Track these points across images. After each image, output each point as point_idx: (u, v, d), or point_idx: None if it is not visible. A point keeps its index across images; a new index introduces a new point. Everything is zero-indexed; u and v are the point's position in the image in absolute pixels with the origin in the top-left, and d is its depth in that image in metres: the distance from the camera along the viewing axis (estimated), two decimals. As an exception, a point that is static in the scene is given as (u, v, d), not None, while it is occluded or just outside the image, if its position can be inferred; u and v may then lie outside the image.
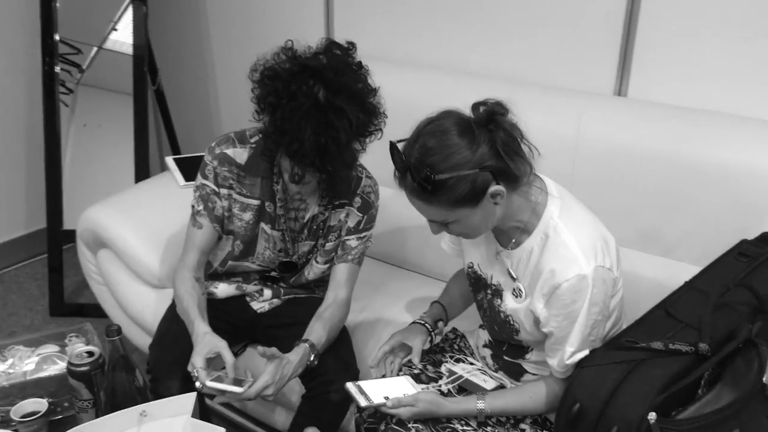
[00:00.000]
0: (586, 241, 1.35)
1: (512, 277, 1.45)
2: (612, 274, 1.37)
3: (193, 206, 1.75)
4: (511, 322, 1.49)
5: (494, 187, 1.29)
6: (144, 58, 2.71)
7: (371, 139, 1.55)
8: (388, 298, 2.07)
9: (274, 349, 1.56)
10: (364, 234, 1.78)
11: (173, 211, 2.21)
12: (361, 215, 1.77)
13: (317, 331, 1.66)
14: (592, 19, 1.99)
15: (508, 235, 1.44)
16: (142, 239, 2.15)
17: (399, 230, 2.22)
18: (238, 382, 1.50)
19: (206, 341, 1.55)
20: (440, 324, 1.67)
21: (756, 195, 1.65)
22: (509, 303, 1.48)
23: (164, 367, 1.70)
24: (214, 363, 1.55)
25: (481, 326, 1.69)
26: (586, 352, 1.37)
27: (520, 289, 1.44)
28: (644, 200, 1.80)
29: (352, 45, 1.55)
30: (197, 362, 1.50)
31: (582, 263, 1.32)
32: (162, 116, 2.99)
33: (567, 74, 2.07)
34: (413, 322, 1.65)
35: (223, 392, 1.49)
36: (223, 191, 1.72)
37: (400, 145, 1.33)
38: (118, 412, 1.29)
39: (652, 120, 1.83)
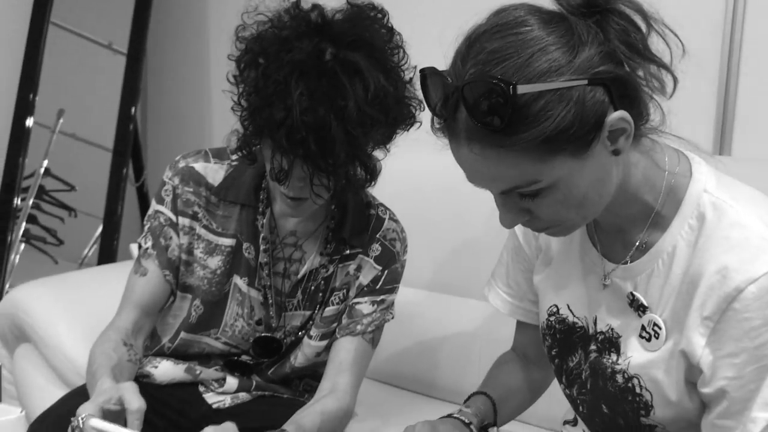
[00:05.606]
0: None
1: (640, 306, 0.87)
2: None
3: (139, 245, 1.22)
4: (638, 390, 0.88)
5: (615, 114, 0.75)
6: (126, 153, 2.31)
7: (400, 130, 1.06)
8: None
9: (230, 425, 0.94)
10: (382, 297, 1.22)
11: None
12: (379, 269, 1.22)
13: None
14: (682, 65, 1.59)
15: (624, 235, 0.88)
16: (74, 328, 1.58)
17: (407, 335, 1.60)
18: None
19: (105, 389, 0.94)
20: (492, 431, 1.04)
21: None
22: (636, 355, 0.87)
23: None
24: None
25: (568, 423, 1.06)
26: None
27: (656, 325, 0.85)
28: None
29: (381, 11, 1.11)
30: (85, 409, 0.89)
31: None
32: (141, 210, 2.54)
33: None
34: (448, 415, 1.01)
35: None
36: (184, 221, 1.20)
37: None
38: None
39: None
